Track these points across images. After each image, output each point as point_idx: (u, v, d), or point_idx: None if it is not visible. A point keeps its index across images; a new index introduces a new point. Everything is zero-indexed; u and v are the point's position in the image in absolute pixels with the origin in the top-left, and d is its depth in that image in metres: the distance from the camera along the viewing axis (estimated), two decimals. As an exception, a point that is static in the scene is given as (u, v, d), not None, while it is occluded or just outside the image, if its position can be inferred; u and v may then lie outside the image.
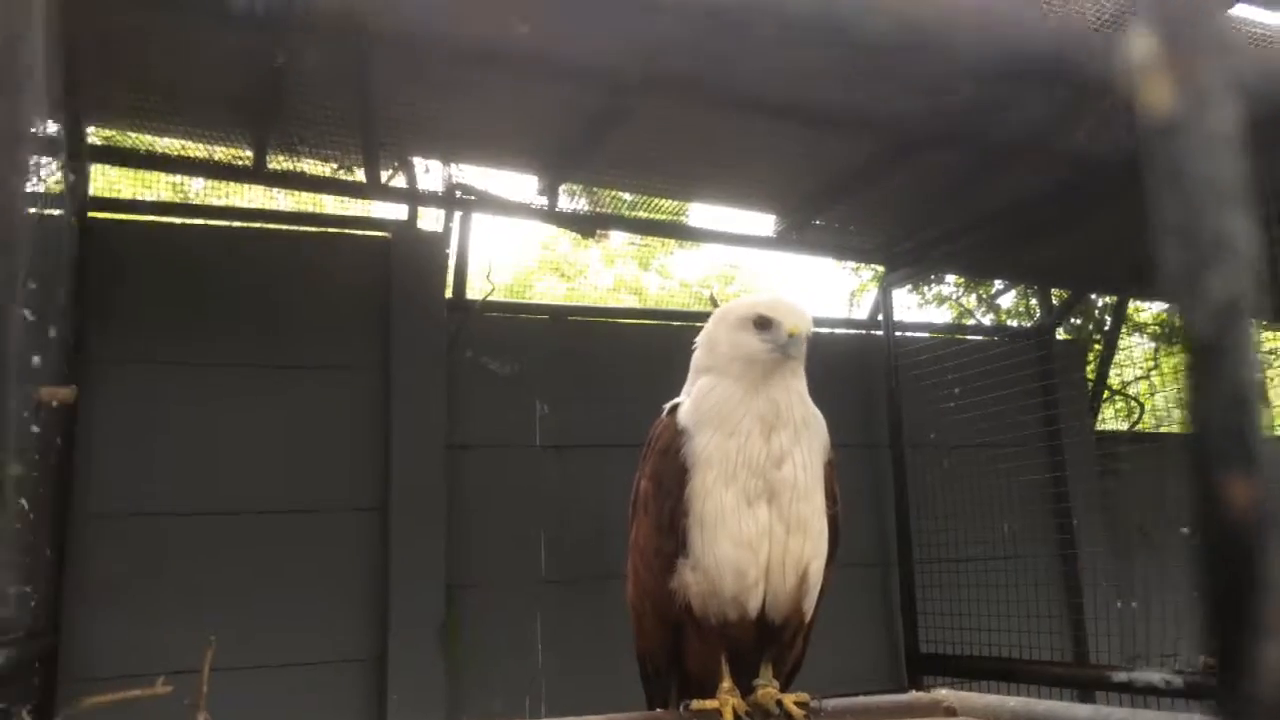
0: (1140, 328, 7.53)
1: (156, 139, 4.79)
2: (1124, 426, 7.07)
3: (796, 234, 5.78)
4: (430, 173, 5.18)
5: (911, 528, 5.69)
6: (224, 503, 4.61)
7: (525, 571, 5.08)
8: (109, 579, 4.36)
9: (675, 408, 2.54)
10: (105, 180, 5.03)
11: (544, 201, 5.36)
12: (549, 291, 11.52)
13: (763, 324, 2.43)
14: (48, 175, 3.28)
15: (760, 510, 2.36)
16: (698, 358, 2.58)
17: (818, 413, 2.52)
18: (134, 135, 4.72)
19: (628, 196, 5.61)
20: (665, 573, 2.44)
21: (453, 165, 5.19)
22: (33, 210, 2.83)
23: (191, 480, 4.57)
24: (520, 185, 5.42)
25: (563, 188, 5.38)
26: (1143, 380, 7.17)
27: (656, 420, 2.58)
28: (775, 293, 2.55)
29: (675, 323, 6.03)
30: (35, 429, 3.05)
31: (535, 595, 5.06)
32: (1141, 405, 7.06)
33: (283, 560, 4.64)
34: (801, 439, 2.43)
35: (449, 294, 5.28)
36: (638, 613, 2.65)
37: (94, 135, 4.72)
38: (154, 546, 4.46)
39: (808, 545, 2.40)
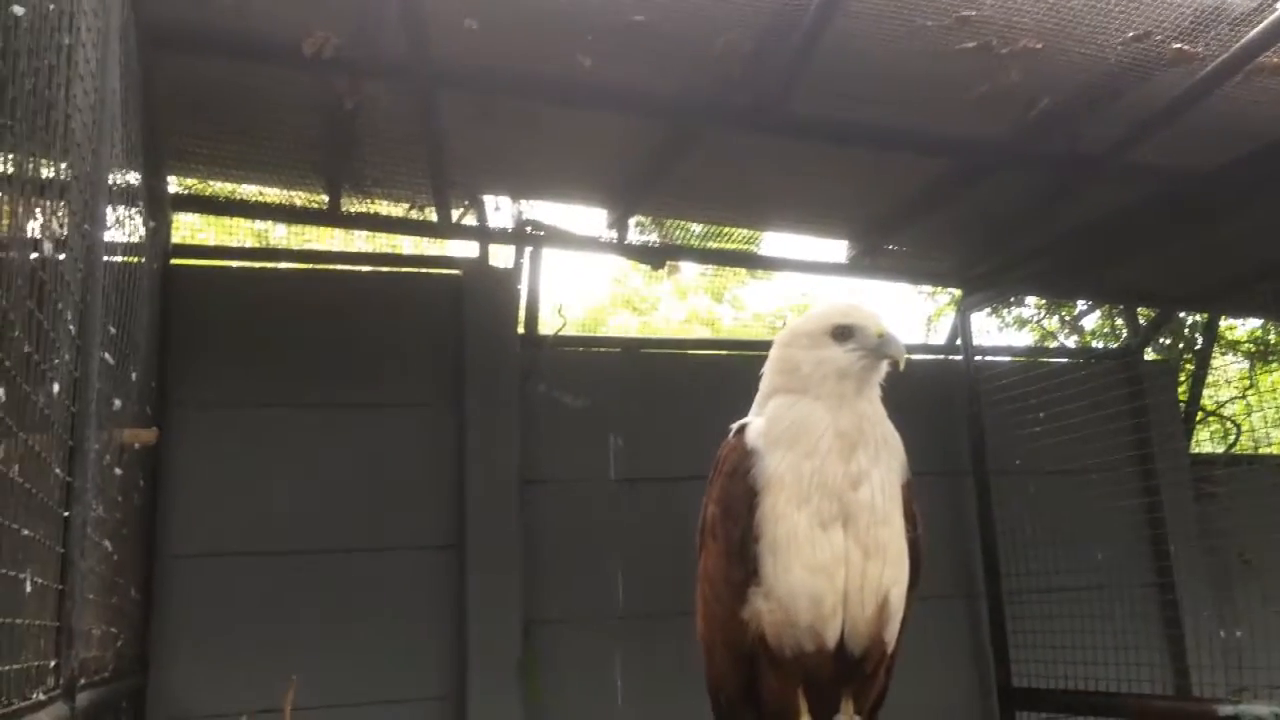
0: (1233, 346, 7.26)
1: (237, 186, 4.92)
2: (1220, 449, 6.81)
3: (870, 259, 5.70)
4: (500, 210, 5.24)
5: (999, 557, 5.52)
6: (304, 541, 4.65)
7: (603, 607, 5.03)
8: (194, 618, 4.43)
9: (743, 428, 2.43)
10: (189, 228, 5.17)
11: (613, 235, 5.37)
12: (622, 327, 11.51)
13: (842, 334, 2.32)
14: (128, 224, 3.36)
15: (835, 534, 2.24)
16: (769, 382, 2.47)
17: (894, 430, 2.41)
18: (214, 184, 4.85)
19: (697, 228, 5.59)
20: (736, 602, 2.32)
21: (522, 201, 5.24)
22: (114, 258, 2.89)
23: (272, 520, 4.62)
24: (590, 219, 5.46)
25: (632, 220, 5.39)
26: (1238, 400, 6.90)
27: (723, 442, 2.48)
28: (841, 300, 2.45)
29: (749, 353, 5.96)
30: (118, 471, 3.10)
31: (613, 631, 5.01)
32: (1238, 426, 6.79)
33: (362, 598, 4.66)
34: (881, 459, 2.31)
35: (521, 330, 5.29)
36: (708, 645, 2.53)
37: (177, 184, 4.86)
38: (237, 585, 4.51)
39: (887, 571, 2.28)
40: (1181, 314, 6.78)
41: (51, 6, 2.04)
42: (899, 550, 2.34)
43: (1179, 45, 3.64)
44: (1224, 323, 6.99)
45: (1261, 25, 3.53)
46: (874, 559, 2.26)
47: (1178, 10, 3.55)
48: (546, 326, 5.45)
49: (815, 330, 2.38)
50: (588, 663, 4.96)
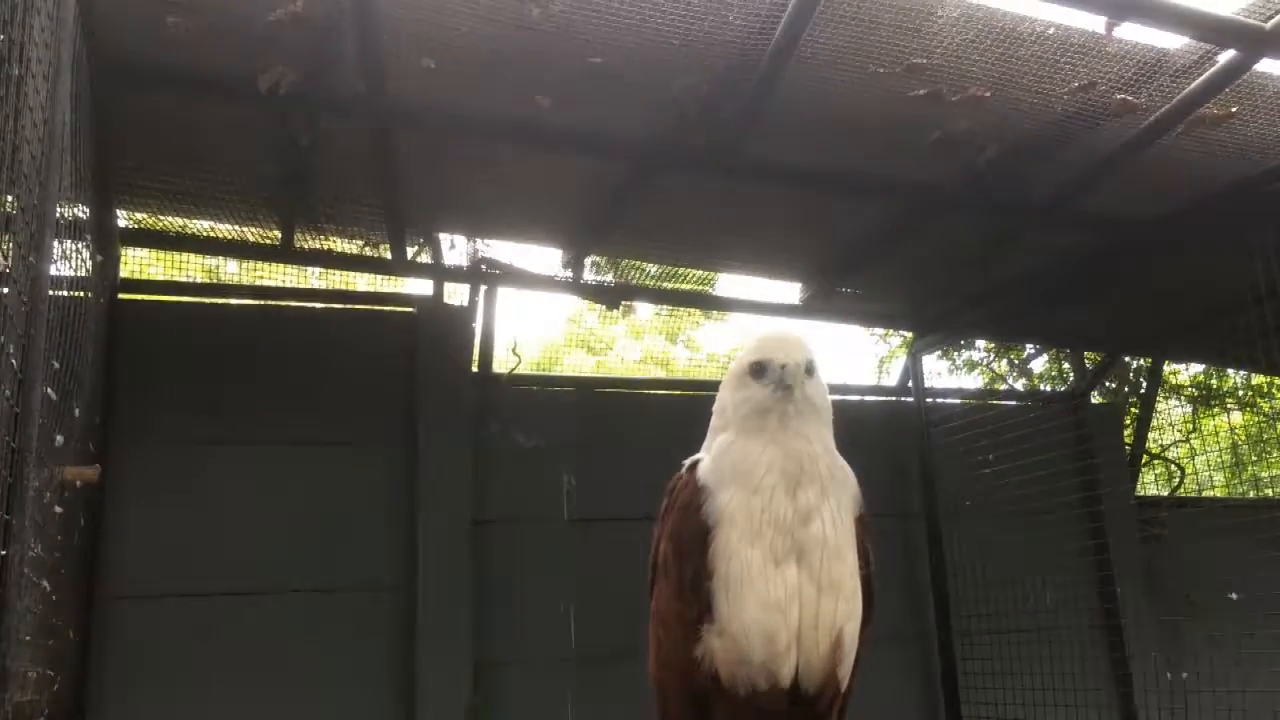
0: (1177, 390, 7.39)
1: (188, 221, 4.86)
2: (1165, 492, 6.91)
3: (823, 301, 5.75)
4: (455, 248, 5.23)
5: (950, 598, 5.55)
6: (251, 582, 4.56)
7: (555, 649, 4.97)
8: (134, 661, 4.31)
9: (695, 464, 2.42)
10: (137, 262, 5.09)
11: (569, 274, 5.38)
12: (577, 366, 11.46)
13: (757, 371, 2.34)
14: (75, 257, 3.31)
15: (789, 570, 2.23)
16: (714, 421, 2.49)
17: (845, 466, 2.40)
18: (165, 218, 4.79)
19: (652, 268, 5.62)
20: (689, 640, 2.29)
21: (478, 240, 5.23)
22: (59, 292, 2.84)
23: (218, 560, 4.53)
24: (545, 258, 5.45)
25: (588, 260, 5.40)
26: (1182, 444, 7.02)
27: (675, 476, 2.46)
28: (762, 335, 2.48)
29: (703, 393, 5.96)
30: (58, 509, 3.03)
31: (565, 673, 4.95)
32: (1182, 469, 6.90)
33: (309, 640, 4.57)
34: (829, 493, 2.30)
35: (475, 368, 5.27)
36: (660, 685, 2.48)
37: (126, 218, 4.79)
38: (179, 627, 4.41)
39: (841, 607, 2.27)
40: (1127, 358, 6.90)
41: (1, 37, 2.01)
42: (853, 586, 2.32)
43: (1123, 96, 3.74)
44: (1168, 367, 7.12)
45: (1201, 77, 3.64)
46: (828, 595, 2.25)
47: (1121, 62, 3.65)
48: (501, 365, 5.43)
49: (738, 370, 2.42)
50: (539, 705, 4.89)
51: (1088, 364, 6.62)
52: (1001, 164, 4.17)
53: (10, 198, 2.14)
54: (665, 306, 6.41)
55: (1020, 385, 7.42)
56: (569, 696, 4.92)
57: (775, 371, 2.31)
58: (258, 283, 5.26)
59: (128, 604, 4.36)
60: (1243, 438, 7.39)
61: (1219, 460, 6.89)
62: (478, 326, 5.30)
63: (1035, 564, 5.48)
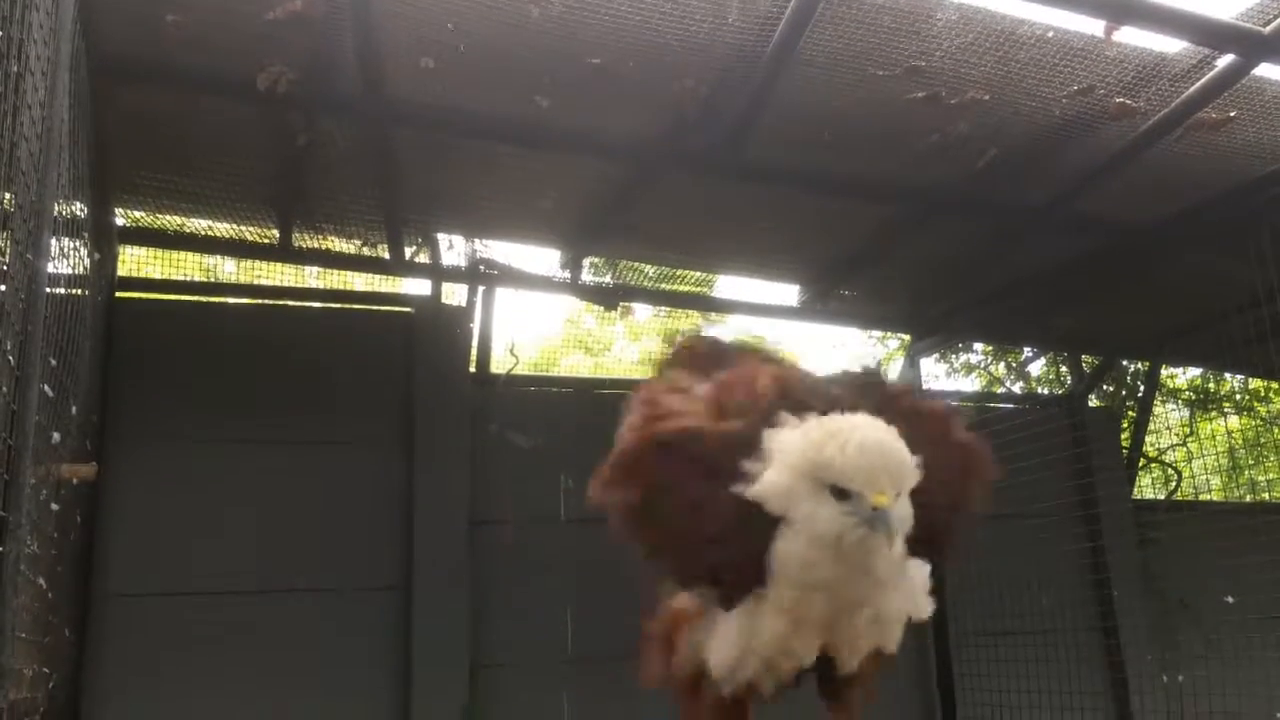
0: (1174, 394, 7.40)
1: (186, 220, 4.86)
2: (1162, 495, 6.91)
3: (821, 303, 5.75)
4: (454, 248, 5.23)
5: (947, 600, 5.54)
6: (247, 581, 4.56)
7: (551, 650, 4.97)
8: (129, 659, 4.31)
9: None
10: (135, 261, 5.09)
11: (567, 275, 5.37)
12: (575, 367, 11.47)
13: (840, 494, 1.87)
14: (73, 255, 3.30)
15: None
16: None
17: None
18: (163, 217, 4.78)
19: (650, 270, 5.61)
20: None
21: (476, 240, 5.23)
22: (57, 290, 2.84)
23: (215, 559, 4.53)
24: (543, 259, 5.45)
25: (586, 261, 5.40)
26: (1179, 448, 7.02)
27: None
28: (856, 449, 1.85)
29: (701, 394, 5.96)
30: (55, 506, 3.02)
31: (563, 674, 4.95)
32: (1179, 473, 6.90)
33: (305, 641, 4.57)
34: None
35: (473, 368, 5.27)
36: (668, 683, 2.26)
37: (124, 217, 4.79)
38: (176, 626, 4.40)
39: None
40: (1124, 362, 6.90)
41: (0, 34, 2.01)
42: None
43: (1122, 99, 3.74)
44: (1165, 371, 7.12)
45: (1200, 82, 3.63)
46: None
47: (1120, 66, 3.64)
48: (499, 366, 5.43)
49: (817, 479, 1.89)
50: (536, 707, 4.88)
51: (1085, 367, 6.62)
52: (1000, 166, 4.16)
53: (8, 195, 2.13)
54: (663, 307, 6.41)
55: (1018, 388, 7.42)
56: (566, 698, 4.92)
57: (865, 508, 1.86)
58: (255, 282, 5.26)
59: (123, 602, 4.36)
60: (1240, 442, 7.39)
61: (1216, 464, 6.90)
62: (475, 327, 5.30)
63: (1033, 566, 5.47)
